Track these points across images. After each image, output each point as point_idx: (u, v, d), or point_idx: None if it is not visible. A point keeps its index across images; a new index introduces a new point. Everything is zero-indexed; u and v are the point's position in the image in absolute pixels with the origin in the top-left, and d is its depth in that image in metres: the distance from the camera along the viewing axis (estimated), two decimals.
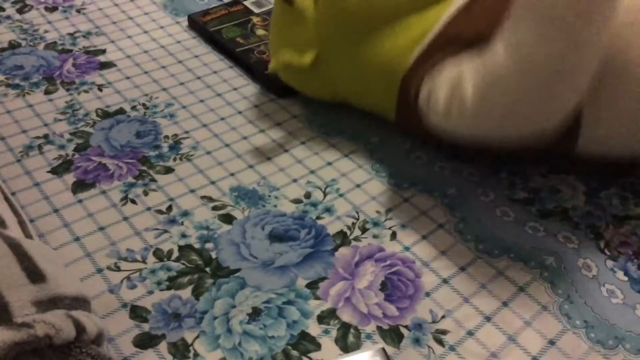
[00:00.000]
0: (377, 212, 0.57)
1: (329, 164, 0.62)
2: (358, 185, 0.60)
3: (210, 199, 0.57)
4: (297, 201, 0.58)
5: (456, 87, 0.48)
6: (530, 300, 0.49)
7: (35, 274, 0.33)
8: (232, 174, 0.60)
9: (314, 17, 0.60)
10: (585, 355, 0.45)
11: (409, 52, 0.57)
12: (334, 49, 0.60)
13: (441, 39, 0.55)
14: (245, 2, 0.86)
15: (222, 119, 0.68)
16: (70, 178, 0.58)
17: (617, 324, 0.48)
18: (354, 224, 0.56)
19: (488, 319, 0.48)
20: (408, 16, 0.57)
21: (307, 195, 0.59)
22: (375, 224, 0.56)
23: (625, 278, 0.52)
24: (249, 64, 0.75)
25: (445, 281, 0.51)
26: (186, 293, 0.48)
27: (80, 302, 0.36)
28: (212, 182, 0.59)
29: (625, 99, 0.50)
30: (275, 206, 0.57)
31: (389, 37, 0.58)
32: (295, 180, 0.60)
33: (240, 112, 0.69)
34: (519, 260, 0.53)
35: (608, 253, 0.54)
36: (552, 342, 0.46)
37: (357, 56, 0.59)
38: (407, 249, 0.53)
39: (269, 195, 0.58)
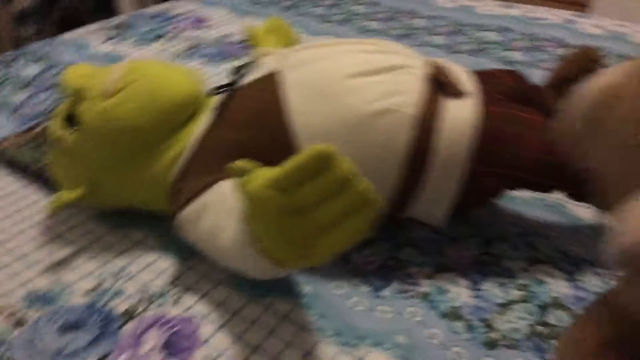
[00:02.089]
0: (163, 284, 0.65)
1: (121, 253, 0.70)
2: (146, 267, 0.68)
3: (4, 308, 0.61)
4: (89, 291, 0.64)
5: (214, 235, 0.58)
6: None
7: None
8: (26, 282, 0.65)
9: (81, 154, 0.68)
10: None
11: (171, 168, 0.67)
12: (106, 175, 0.69)
13: (191, 161, 0.66)
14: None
15: (22, 232, 0.73)
16: None
17: None
18: (140, 300, 0.63)
19: (255, 349, 0.57)
20: (167, 138, 0.68)
21: (99, 284, 0.65)
22: (161, 294, 0.63)
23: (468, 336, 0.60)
24: (44, 178, 0.81)
25: (220, 327, 0.59)
26: None
27: None
28: (6, 294, 0.63)
29: None
30: (68, 301, 0.63)
31: (154, 158, 0.68)
32: (90, 273, 0.67)
33: (37, 222, 0.75)
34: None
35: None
36: None
37: (129, 177, 0.68)
38: (188, 309, 0.61)
39: (63, 293, 0.64)
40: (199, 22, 1.37)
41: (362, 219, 0.46)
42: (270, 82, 0.66)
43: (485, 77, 0.74)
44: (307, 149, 0.44)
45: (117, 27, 1.36)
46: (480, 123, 0.63)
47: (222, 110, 0.67)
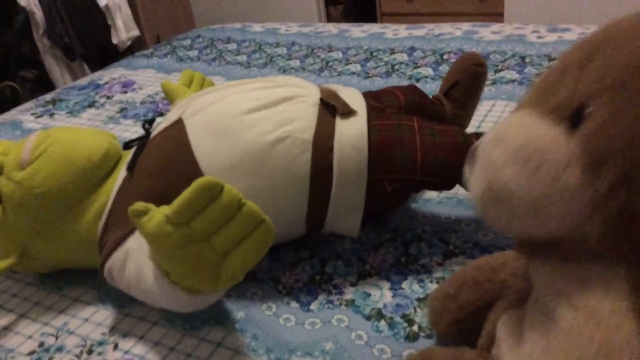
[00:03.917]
0: (102, 334, 0.68)
1: (61, 312, 0.73)
2: (86, 320, 0.71)
3: None
4: (31, 353, 0.66)
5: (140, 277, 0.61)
6: None
7: None
8: None
9: (8, 225, 0.71)
10: None
11: (97, 223, 0.71)
12: (35, 241, 0.71)
13: (112, 213, 0.70)
14: None
15: None
16: None
17: None
18: (82, 351, 0.66)
19: None
20: (88, 196, 0.71)
21: (41, 344, 0.68)
22: (100, 343, 0.66)
23: (390, 333, 0.67)
24: None
25: None
26: None
27: None
28: None
29: None
30: None
31: (79, 217, 0.71)
32: (29, 337, 0.69)
33: None
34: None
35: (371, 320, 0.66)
36: None
37: (58, 239, 0.71)
38: (127, 352, 0.64)
39: (6, 358, 0.66)
40: (127, 86, 1.43)
41: (259, 237, 0.51)
42: (175, 130, 0.71)
43: (379, 95, 0.81)
44: (194, 183, 0.49)
45: (50, 102, 1.40)
46: (368, 136, 0.69)
47: (135, 161, 0.72)
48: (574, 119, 0.38)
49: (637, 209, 0.36)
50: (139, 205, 0.51)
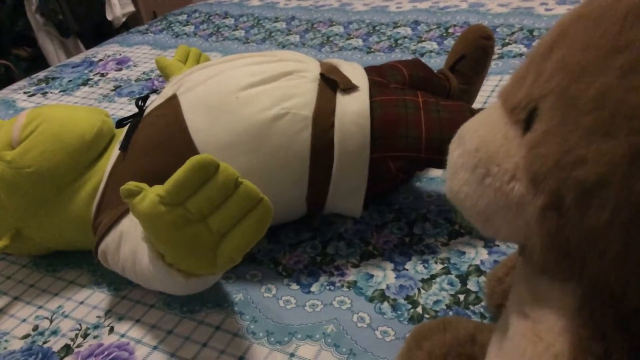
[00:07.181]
0: (98, 317, 0.66)
1: (56, 294, 0.71)
2: (81, 303, 0.69)
3: None
4: (26, 336, 0.65)
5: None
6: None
7: None
8: None
9: (4, 203, 0.68)
10: None
11: (91, 203, 0.69)
12: (28, 222, 0.69)
13: (106, 194, 0.67)
14: None
15: None
16: None
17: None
18: (77, 335, 0.64)
19: None
20: (81, 175, 0.69)
21: (35, 327, 0.66)
22: (96, 327, 0.65)
23: (394, 315, 0.61)
24: None
25: (155, 347, 0.60)
26: None
27: None
28: None
29: None
30: (5, 348, 0.63)
31: (72, 197, 0.68)
32: (24, 320, 0.67)
33: None
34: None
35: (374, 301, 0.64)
36: None
37: (51, 220, 0.69)
38: (122, 335, 0.63)
39: (1, 341, 0.64)
40: (121, 63, 1.39)
41: (257, 217, 0.48)
42: (170, 106, 0.68)
43: (382, 70, 0.78)
44: (188, 161, 0.46)
45: (43, 80, 1.37)
46: (371, 112, 0.66)
47: (129, 140, 0.69)
48: (528, 121, 0.34)
49: (569, 237, 0.32)
50: (131, 185, 0.49)
